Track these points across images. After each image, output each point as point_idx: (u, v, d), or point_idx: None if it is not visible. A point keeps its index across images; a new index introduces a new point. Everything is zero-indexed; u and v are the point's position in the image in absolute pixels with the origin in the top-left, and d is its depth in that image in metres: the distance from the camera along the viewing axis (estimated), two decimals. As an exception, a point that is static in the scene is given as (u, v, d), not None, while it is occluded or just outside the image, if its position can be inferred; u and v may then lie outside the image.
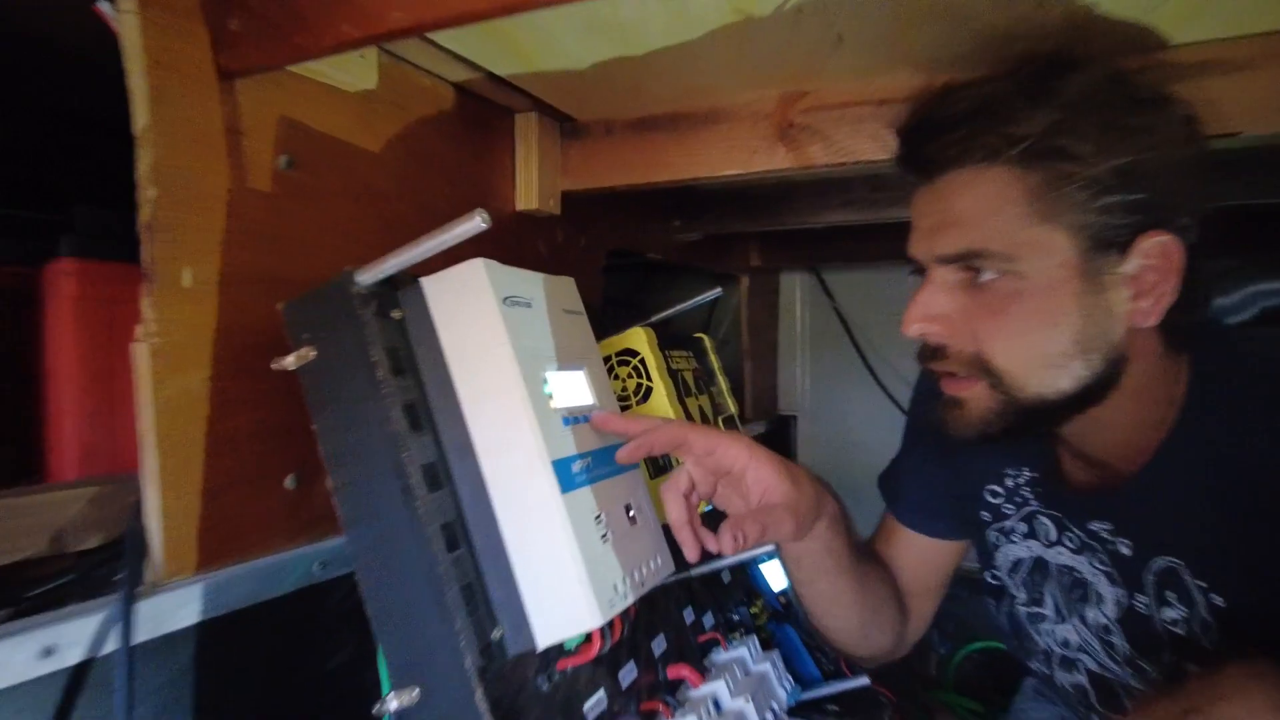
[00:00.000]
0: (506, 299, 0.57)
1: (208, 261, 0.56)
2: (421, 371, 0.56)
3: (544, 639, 0.53)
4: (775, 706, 0.71)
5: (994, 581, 0.80)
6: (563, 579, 0.53)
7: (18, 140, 0.59)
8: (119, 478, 0.56)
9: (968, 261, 0.60)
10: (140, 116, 0.52)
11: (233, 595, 0.57)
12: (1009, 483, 0.77)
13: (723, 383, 0.97)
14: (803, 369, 1.96)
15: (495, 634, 0.53)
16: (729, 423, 0.93)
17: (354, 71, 0.65)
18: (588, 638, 0.57)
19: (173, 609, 0.53)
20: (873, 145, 0.77)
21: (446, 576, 0.51)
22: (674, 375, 0.83)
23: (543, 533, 0.53)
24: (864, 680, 0.88)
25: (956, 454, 0.80)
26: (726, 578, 0.94)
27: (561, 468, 0.55)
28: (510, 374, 0.55)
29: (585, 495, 0.57)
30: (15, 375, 0.58)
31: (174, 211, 0.53)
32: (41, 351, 0.59)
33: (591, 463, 0.59)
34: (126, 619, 0.49)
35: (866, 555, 0.80)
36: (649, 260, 1.46)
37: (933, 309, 0.62)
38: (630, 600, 0.57)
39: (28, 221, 0.59)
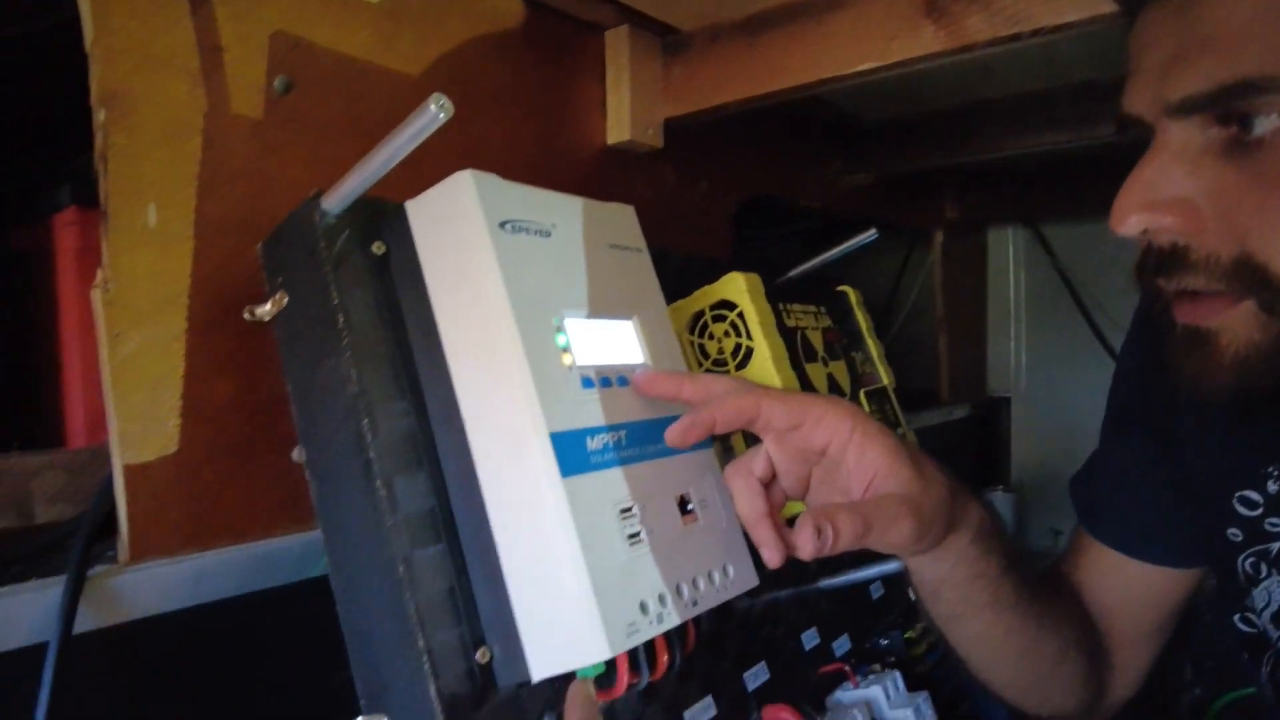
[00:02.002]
0: (506, 222, 0.44)
1: (178, 199, 0.48)
2: (406, 319, 0.45)
3: (539, 669, 0.40)
4: (910, 774, 0.52)
5: (1247, 629, 0.54)
6: (561, 593, 0.39)
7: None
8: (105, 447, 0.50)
9: (1230, 104, 0.37)
10: (87, 29, 0.45)
11: (220, 583, 0.49)
12: (1274, 486, 0.51)
13: (872, 346, 0.78)
14: (1017, 343, 1.64)
15: (481, 655, 0.41)
16: (876, 397, 0.74)
17: (369, -28, 0.55)
18: (611, 669, 0.42)
19: (141, 593, 0.46)
20: (1051, 4, 0.55)
21: (408, 580, 0.39)
22: (789, 334, 0.65)
23: (537, 529, 0.40)
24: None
25: (1189, 440, 0.55)
26: (877, 592, 0.75)
27: (567, 442, 0.41)
28: (501, 317, 0.41)
29: (607, 480, 0.42)
30: (33, 340, 0.54)
31: (132, 139, 0.46)
32: (52, 311, 0.54)
33: (626, 438, 0.45)
34: (69, 604, 0.42)
35: (1042, 586, 0.58)
36: (812, 215, 1.27)
37: (1163, 189, 0.39)
38: (671, 623, 0.42)
39: (35, 176, 0.55)
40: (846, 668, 0.61)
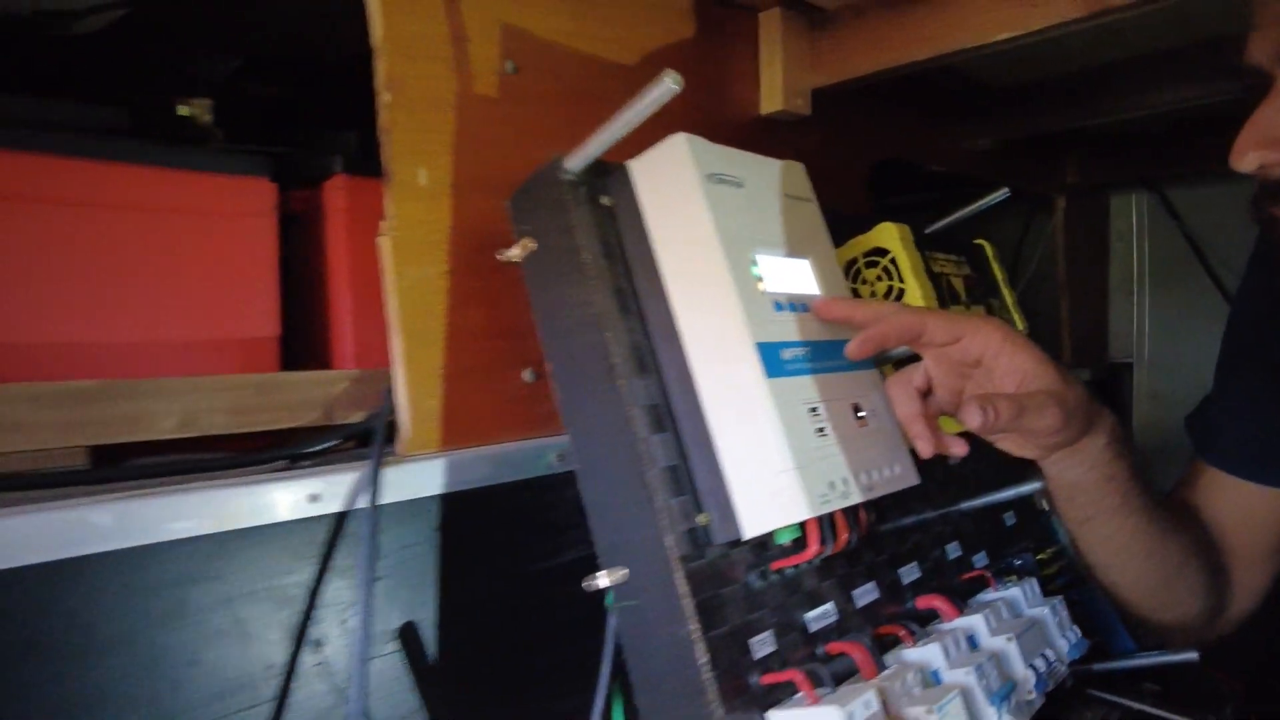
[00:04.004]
0: (712, 175, 0.53)
1: (440, 163, 0.59)
2: (629, 257, 0.55)
3: (750, 528, 0.49)
4: (1049, 656, 0.60)
5: None
6: (770, 466, 0.49)
7: (294, 83, 0.68)
8: (383, 371, 0.62)
9: None
10: (375, 28, 0.57)
11: (471, 474, 0.61)
12: None
13: (1007, 295, 0.84)
14: (1140, 308, 1.64)
15: (701, 519, 0.51)
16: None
17: (573, -28, 0.65)
18: (804, 537, 0.52)
19: (416, 478, 0.58)
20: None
21: (648, 456, 0.50)
22: (936, 279, 0.73)
23: (748, 418, 0.50)
24: (1191, 655, 0.71)
25: None
26: (1011, 520, 0.81)
27: (768, 351, 0.50)
28: (711, 251, 0.51)
29: (799, 384, 0.52)
30: (308, 283, 0.68)
31: (407, 115, 0.58)
32: (324, 260, 0.67)
33: (810, 353, 0.54)
34: (374, 480, 0.54)
35: (1165, 501, 0.64)
36: (942, 184, 1.32)
37: (1279, 128, 0.46)
38: (853, 500, 0.51)
39: (309, 149, 0.68)
40: (988, 574, 0.69)
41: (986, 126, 1.14)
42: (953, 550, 0.70)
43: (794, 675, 0.47)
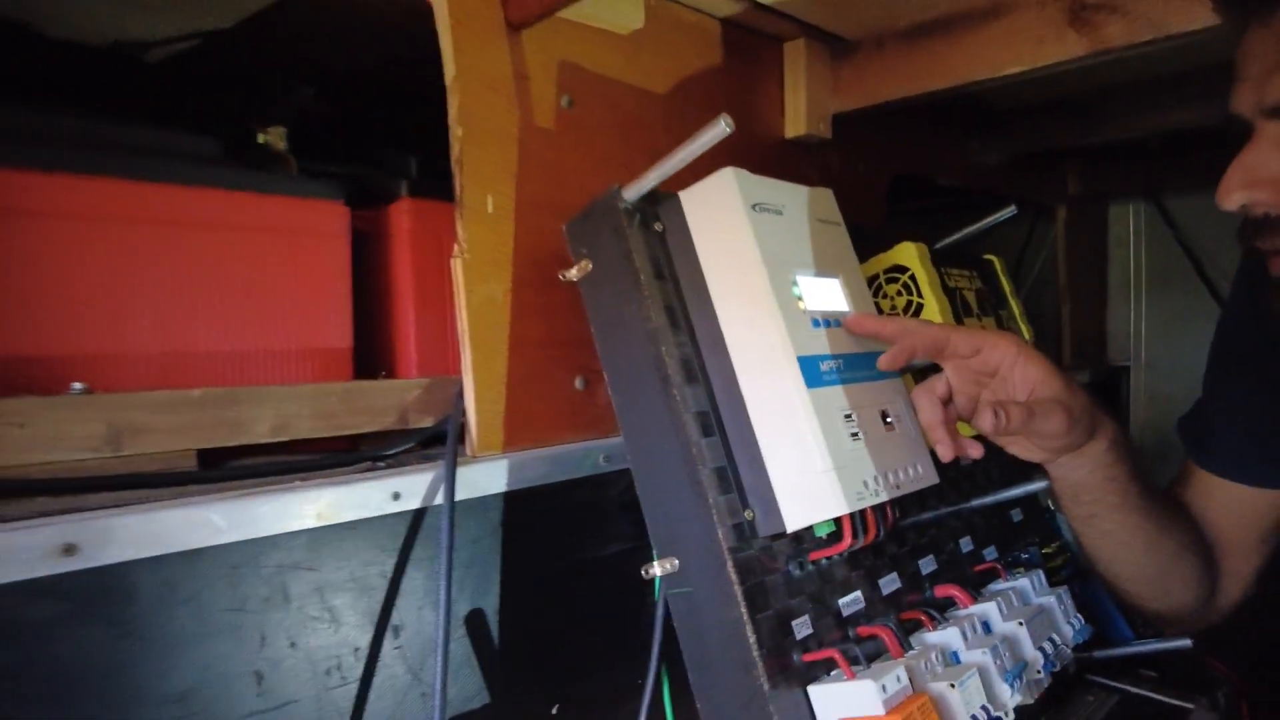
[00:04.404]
0: (755, 205, 0.59)
1: (504, 190, 0.65)
2: (680, 278, 0.61)
3: (792, 522, 0.55)
4: (1056, 640, 0.66)
5: None
6: (809, 466, 0.55)
7: (359, 110, 0.74)
8: (448, 378, 0.68)
9: None
10: (449, 68, 0.62)
11: (531, 473, 0.66)
12: None
13: (1015, 306, 0.90)
14: (1137, 312, 1.71)
15: (747, 515, 0.57)
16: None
17: (623, 12, 0.71)
18: (838, 530, 0.58)
19: (484, 477, 0.64)
20: (1183, 12, 0.66)
21: (700, 457, 0.56)
22: (951, 294, 0.79)
23: (790, 423, 0.55)
24: (1185, 642, 0.77)
25: None
26: (1018, 517, 0.88)
27: (808, 364, 0.56)
28: (757, 274, 0.57)
29: (834, 393, 0.58)
30: (373, 297, 0.73)
31: (477, 148, 0.64)
32: (389, 276, 0.73)
33: (843, 365, 0.60)
34: (451, 479, 0.60)
35: (1161, 496, 0.70)
36: (950, 192, 1.38)
37: (1260, 171, 0.52)
38: (882, 498, 0.57)
39: (376, 173, 0.74)
40: (999, 565, 0.75)
41: (997, 143, 1.20)
42: (966, 544, 0.76)
43: (833, 654, 0.53)
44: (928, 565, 0.70)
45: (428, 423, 0.67)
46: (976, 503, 0.80)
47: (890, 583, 0.65)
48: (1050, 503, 0.89)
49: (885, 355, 0.60)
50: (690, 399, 0.57)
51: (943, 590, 0.67)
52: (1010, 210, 0.91)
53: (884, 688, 0.50)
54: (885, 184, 1.04)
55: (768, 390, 0.57)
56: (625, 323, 0.60)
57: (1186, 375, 1.62)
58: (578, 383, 0.70)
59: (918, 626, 0.62)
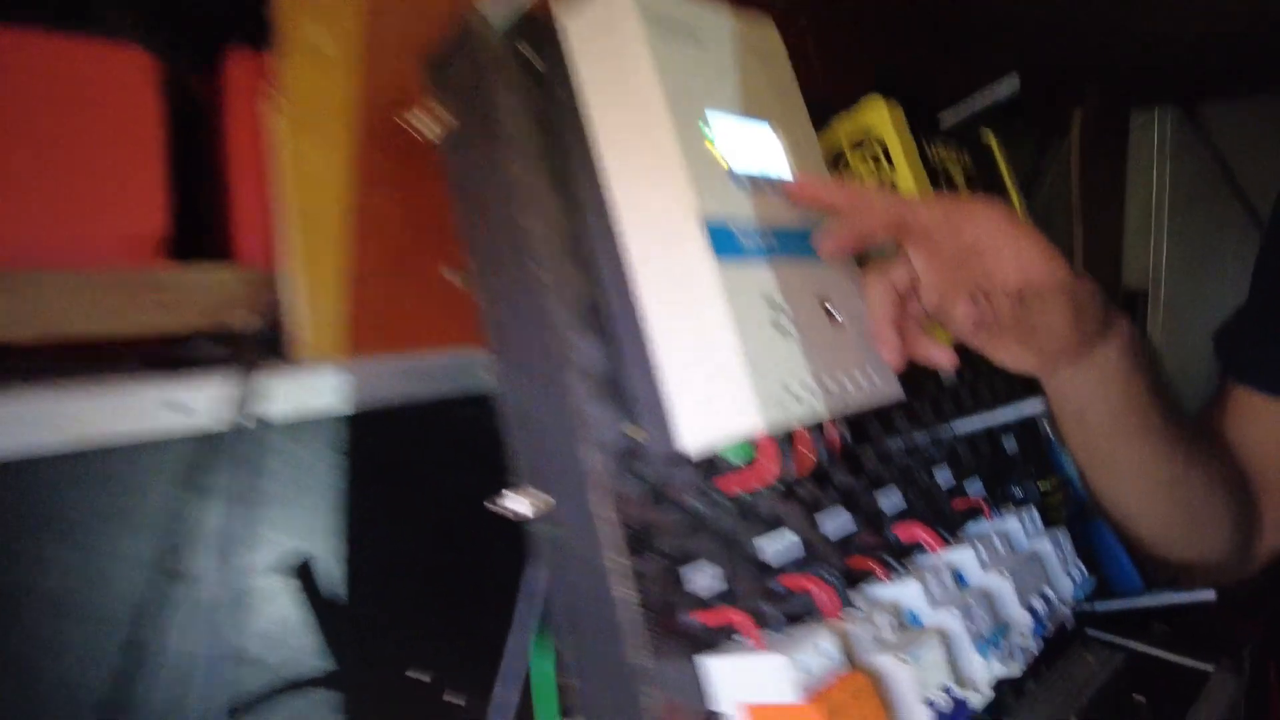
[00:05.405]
0: (661, 25, 0.44)
1: (345, 22, 0.50)
2: (564, 131, 0.46)
3: (691, 440, 0.41)
4: (1050, 595, 0.52)
5: None
6: (714, 368, 0.40)
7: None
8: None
9: None
10: None
11: (383, 388, 0.53)
12: None
13: (1014, 196, 0.74)
14: (1159, 232, 1.54)
15: (635, 433, 0.43)
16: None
17: None
18: (756, 455, 0.43)
19: (315, 391, 0.50)
20: None
21: (571, 356, 0.41)
22: (933, 173, 0.63)
23: (690, 308, 0.41)
24: (1208, 594, 0.63)
25: None
26: (1012, 448, 0.73)
27: (720, 231, 0.42)
28: (654, 107, 0.42)
29: (755, 270, 0.43)
30: (206, 173, 0.59)
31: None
32: (224, 147, 0.58)
33: (775, 241, 0.45)
34: (248, 390, 0.46)
35: (1189, 421, 0.55)
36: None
37: None
38: (817, 412, 0.43)
39: (207, 23, 0.59)
40: (984, 502, 0.61)
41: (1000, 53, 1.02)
42: (944, 477, 0.62)
43: (733, 615, 0.39)
44: (891, 502, 0.56)
45: (251, 325, 0.53)
46: (957, 428, 0.65)
47: (840, 524, 0.51)
48: (1050, 429, 0.74)
49: (827, 235, 0.45)
50: (566, 281, 0.43)
51: (906, 531, 0.53)
52: (1012, 80, 0.74)
53: (801, 664, 0.36)
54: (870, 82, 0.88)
55: (664, 265, 0.42)
56: (488, 187, 0.45)
57: (1215, 305, 1.47)
58: (453, 275, 0.56)
59: (865, 576, 0.48)
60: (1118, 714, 0.60)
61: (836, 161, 0.62)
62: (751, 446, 0.43)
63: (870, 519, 0.53)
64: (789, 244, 0.46)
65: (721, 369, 0.40)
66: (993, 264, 0.45)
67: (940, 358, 0.47)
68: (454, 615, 0.56)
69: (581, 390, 0.41)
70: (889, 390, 0.48)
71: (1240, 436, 0.60)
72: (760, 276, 0.43)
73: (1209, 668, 0.63)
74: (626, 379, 0.43)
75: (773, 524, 0.47)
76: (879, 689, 0.38)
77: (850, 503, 0.53)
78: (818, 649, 0.37)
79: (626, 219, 0.43)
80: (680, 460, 0.42)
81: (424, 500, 0.55)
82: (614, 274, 0.44)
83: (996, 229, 0.44)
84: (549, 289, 0.42)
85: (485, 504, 0.44)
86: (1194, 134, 1.47)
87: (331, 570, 0.51)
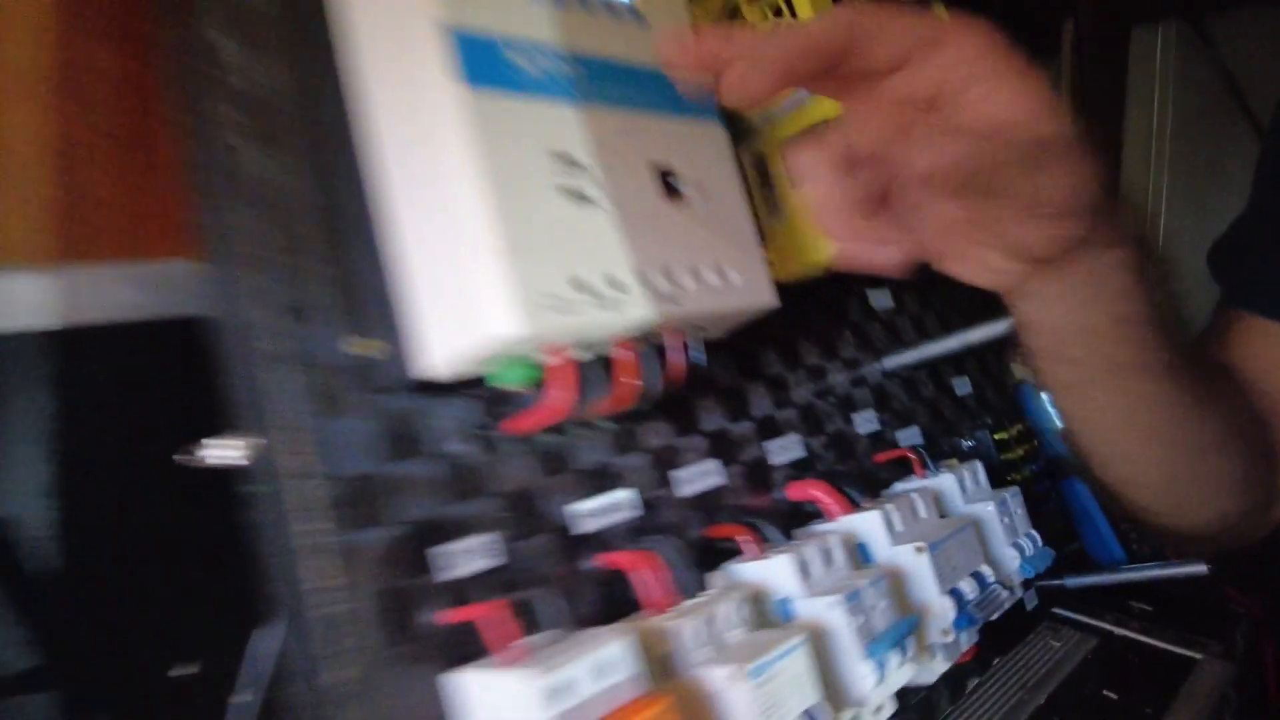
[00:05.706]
0: None
1: None
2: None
3: (437, 356, 0.28)
4: (986, 575, 0.39)
5: None
6: (466, 244, 0.27)
7: None
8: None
9: None
10: None
11: (99, 300, 0.40)
12: None
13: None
14: (1159, 155, 1.39)
15: (370, 348, 0.30)
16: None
17: None
18: (540, 381, 0.30)
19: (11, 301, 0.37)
20: None
21: (279, 246, 0.28)
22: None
23: (431, 156, 0.28)
24: (1199, 567, 0.51)
25: None
26: (964, 389, 0.60)
27: (478, 42, 0.28)
28: None
29: (539, 111, 0.29)
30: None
31: None
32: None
33: (586, 74, 0.31)
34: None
35: (1198, 357, 0.42)
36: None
37: None
38: (627, 314, 0.29)
39: None
40: (914, 457, 0.48)
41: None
42: (866, 423, 0.49)
43: (485, 610, 0.26)
44: (783, 450, 0.43)
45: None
46: (891, 362, 0.52)
47: (703, 477, 0.38)
48: (1019, 365, 0.62)
49: (730, 71, 0.28)
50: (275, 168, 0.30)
51: (798, 490, 0.40)
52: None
53: (558, 682, 0.23)
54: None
55: (399, 102, 0.29)
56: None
57: (1219, 233, 1.34)
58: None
59: (728, 545, 0.35)
60: (1083, 712, 0.48)
61: (733, 16, 0.47)
62: (537, 367, 0.29)
63: (754, 473, 0.40)
64: (617, 80, 0.32)
65: (472, 245, 0.27)
66: (969, 114, 0.30)
67: (890, 254, 0.32)
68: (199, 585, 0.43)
69: (284, 292, 0.28)
70: (755, 295, 0.35)
71: (1251, 367, 0.47)
72: (547, 119, 0.29)
73: (1195, 654, 0.52)
74: (361, 275, 0.30)
75: (595, 480, 0.34)
76: (697, 716, 0.26)
77: (726, 453, 0.40)
78: (597, 660, 0.25)
79: (359, 28, 0.30)
80: (438, 387, 0.29)
81: (145, 443, 0.42)
82: (346, 129, 0.30)
83: (972, 59, 0.29)
84: (246, 176, 0.29)
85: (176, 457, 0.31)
86: (1201, 52, 1.32)
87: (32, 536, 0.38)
